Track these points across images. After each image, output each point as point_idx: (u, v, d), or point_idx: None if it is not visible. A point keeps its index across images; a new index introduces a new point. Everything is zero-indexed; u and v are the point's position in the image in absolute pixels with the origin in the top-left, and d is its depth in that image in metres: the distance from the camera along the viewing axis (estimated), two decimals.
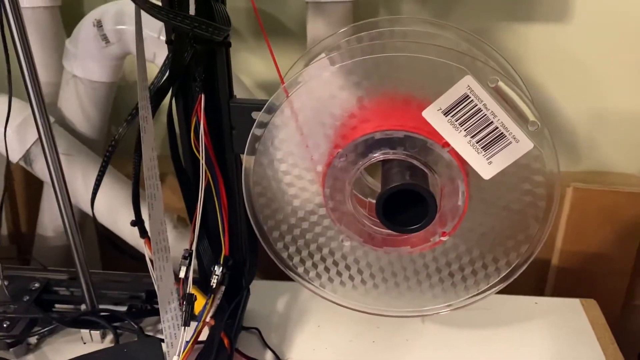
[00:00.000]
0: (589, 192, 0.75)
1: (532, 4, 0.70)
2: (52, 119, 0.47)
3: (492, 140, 0.36)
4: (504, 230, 0.41)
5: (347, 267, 0.46)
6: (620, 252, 0.76)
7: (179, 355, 0.44)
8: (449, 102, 0.36)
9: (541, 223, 0.40)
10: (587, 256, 0.77)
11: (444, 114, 0.36)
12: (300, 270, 0.47)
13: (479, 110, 0.36)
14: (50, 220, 0.68)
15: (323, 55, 0.41)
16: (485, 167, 0.37)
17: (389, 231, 0.41)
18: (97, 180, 0.47)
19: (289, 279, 0.49)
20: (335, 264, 0.46)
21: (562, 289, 0.78)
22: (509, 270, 0.43)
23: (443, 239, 0.41)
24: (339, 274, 0.46)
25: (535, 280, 0.81)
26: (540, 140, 0.38)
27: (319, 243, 0.45)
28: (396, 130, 0.37)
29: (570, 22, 0.71)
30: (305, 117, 0.41)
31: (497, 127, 0.36)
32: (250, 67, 0.73)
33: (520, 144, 0.37)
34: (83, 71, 0.58)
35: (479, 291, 0.44)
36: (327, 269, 0.46)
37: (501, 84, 0.35)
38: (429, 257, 0.44)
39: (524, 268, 0.43)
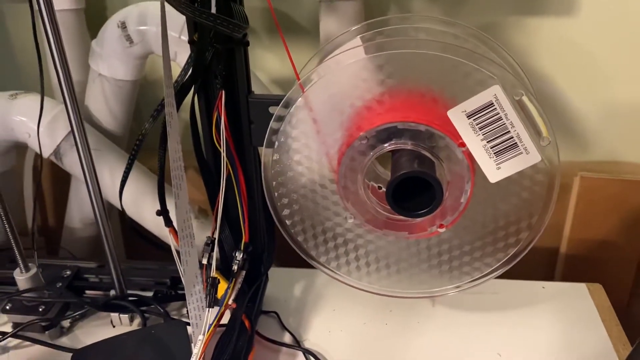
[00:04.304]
0: (596, 181, 0.77)
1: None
2: None
3: (505, 148, 0.39)
4: (502, 221, 0.44)
5: (357, 251, 0.48)
6: (627, 239, 0.78)
7: (203, 335, 0.47)
8: (474, 106, 0.39)
9: (540, 213, 0.43)
10: (595, 244, 0.79)
11: (467, 117, 0.39)
12: (314, 253, 0.49)
13: (500, 118, 0.38)
14: (78, 212, 0.72)
15: (353, 44, 0.43)
16: (494, 171, 0.40)
17: (390, 214, 0.44)
18: (124, 173, 0.50)
19: (305, 266, 0.52)
20: (347, 250, 0.49)
21: (571, 276, 0.80)
22: (509, 256, 0.45)
23: (440, 230, 0.44)
24: (353, 258, 0.48)
25: (544, 266, 0.83)
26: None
27: (328, 224, 0.47)
28: (419, 123, 0.39)
29: (578, 14, 0.72)
30: (322, 108, 0.43)
31: (512, 137, 0.39)
32: (265, 64, 0.76)
33: (529, 156, 0.39)
34: (109, 70, 0.62)
35: (482, 274, 0.46)
36: (339, 254, 0.49)
37: (525, 98, 0.38)
38: (427, 244, 0.46)
39: (523, 254, 0.45)
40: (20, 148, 0.70)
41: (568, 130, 0.79)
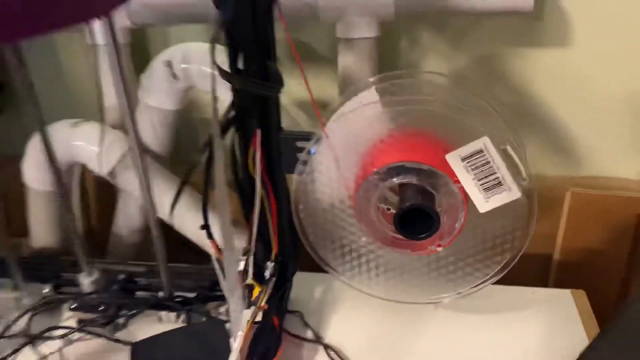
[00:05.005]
0: (586, 196, 0.85)
1: (537, 30, 0.79)
2: None
3: (492, 186, 0.48)
4: (490, 243, 0.53)
5: (369, 264, 0.58)
6: (614, 249, 0.86)
7: (242, 332, 0.57)
8: (467, 152, 0.48)
9: (521, 236, 0.52)
10: (585, 252, 0.87)
11: (462, 160, 0.48)
12: (332, 263, 0.59)
13: (488, 162, 0.48)
14: (125, 222, 0.82)
15: (369, 95, 0.53)
16: (483, 203, 0.49)
17: (396, 235, 0.53)
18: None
19: (324, 272, 0.61)
20: (360, 262, 0.58)
21: (563, 281, 0.88)
22: (497, 270, 0.54)
23: (439, 249, 0.53)
24: (365, 270, 0.58)
25: (540, 272, 0.92)
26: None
27: (344, 240, 0.57)
28: (423, 163, 0.49)
29: (572, 45, 0.80)
30: (341, 147, 0.53)
31: (498, 177, 0.48)
32: (288, 89, 0.85)
33: (511, 192, 0.49)
34: (156, 101, 0.71)
35: (475, 284, 0.55)
36: (353, 265, 0.58)
37: (508, 147, 0.47)
38: (427, 260, 0.55)
39: (508, 268, 0.54)
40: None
41: (562, 148, 0.87)
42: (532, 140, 0.85)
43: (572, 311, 0.69)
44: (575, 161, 0.87)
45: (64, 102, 0.89)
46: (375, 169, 0.50)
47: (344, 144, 0.53)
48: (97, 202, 0.93)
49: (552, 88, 0.82)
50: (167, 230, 0.79)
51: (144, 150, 0.74)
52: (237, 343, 0.56)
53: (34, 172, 0.74)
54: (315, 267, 0.64)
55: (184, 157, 0.87)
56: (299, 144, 0.57)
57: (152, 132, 0.74)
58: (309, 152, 0.55)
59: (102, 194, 0.91)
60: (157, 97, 0.71)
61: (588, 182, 0.87)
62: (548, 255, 0.89)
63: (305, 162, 0.55)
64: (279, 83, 0.51)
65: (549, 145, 0.87)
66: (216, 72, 0.49)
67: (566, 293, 0.71)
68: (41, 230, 0.77)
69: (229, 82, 0.48)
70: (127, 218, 0.81)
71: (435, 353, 0.63)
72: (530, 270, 0.91)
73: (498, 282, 0.63)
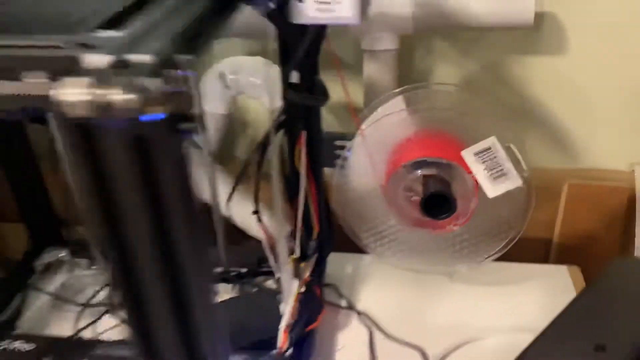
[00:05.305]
0: (582, 187, 0.96)
1: (536, 40, 0.90)
2: None
3: (499, 176, 0.60)
4: (496, 221, 0.64)
5: (396, 240, 0.70)
6: (607, 233, 0.97)
7: (292, 299, 0.69)
8: (479, 148, 0.60)
9: (522, 216, 0.63)
10: (581, 237, 0.98)
11: (474, 155, 0.60)
12: (365, 240, 0.71)
13: (495, 157, 0.59)
14: None
15: (397, 103, 0.64)
16: (491, 190, 0.61)
17: (419, 217, 0.65)
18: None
19: (355, 251, 0.72)
20: (389, 239, 0.70)
21: (561, 261, 0.99)
22: (503, 245, 0.66)
23: (455, 228, 0.65)
24: (393, 245, 0.70)
25: (540, 254, 1.03)
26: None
27: (375, 221, 0.69)
28: (442, 158, 0.60)
29: (568, 52, 0.91)
30: (374, 145, 0.65)
31: (503, 169, 0.60)
32: None
33: (514, 181, 0.60)
34: (209, 107, 0.83)
35: (485, 257, 0.67)
36: (383, 242, 0.70)
37: (512, 145, 0.59)
38: (445, 237, 0.67)
39: (513, 243, 0.66)
40: None
41: (559, 145, 0.98)
42: (533, 138, 0.96)
43: (568, 284, 0.80)
44: (572, 156, 0.98)
45: None
46: (403, 163, 0.62)
47: (376, 144, 0.64)
48: None
49: (550, 91, 0.93)
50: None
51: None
52: (288, 308, 0.68)
53: None
54: (346, 248, 0.76)
55: (224, 154, 0.99)
56: (337, 142, 0.69)
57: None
58: (346, 150, 0.67)
59: None
60: (211, 103, 0.83)
61: (583, 174, 0.98)
62: (548, 239, 1.01)
63: (343, 158, 0.67)
64: (325, 95, 0.63)
65: (549, 142, 0.98)
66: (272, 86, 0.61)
67: (563, 269, 0.83)
68: None
69: (285, 96, 0.60)
70: None
71: (450, 318, 0.75)
72: (532, 253, 1.02)
73: (504, 260, 0.75)
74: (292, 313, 0.68)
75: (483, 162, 0.59)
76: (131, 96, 0.21)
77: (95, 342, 0.69)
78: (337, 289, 0.80)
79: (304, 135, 0.68)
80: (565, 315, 0.50)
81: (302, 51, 0.52)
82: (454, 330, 0.72)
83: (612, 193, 0.96)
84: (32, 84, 0.23)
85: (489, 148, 0.58)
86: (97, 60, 0.22)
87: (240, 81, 0.81)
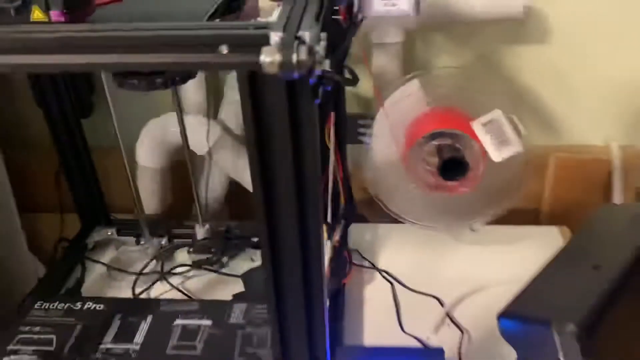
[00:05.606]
0: (566, 160, 1.08)
1: (524, 32, 1.02)
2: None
3: (502, 142, 0.71)
4: (500, 185, 0.76)
5: (416, 203, 0.81)
6: (589, 199, 1.09)
7: (327, 257, 0.79)
8: (486, 120, 0.71)
9: (521, 179, 0.75)
10: (566, 204, 1.10)
11: (482, 125, 0.71)
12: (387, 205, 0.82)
13: (500, 127, 0.70)
14: (209, 193, 1.04)
15: (411, 85, 0.75)
16: (497, 155, 0.72)
17: (436, 181, 0.76)
18: None
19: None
20: (411, 203, 0.81)
21: (551, 224, 1.12)
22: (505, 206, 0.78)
23: (466, 190, 0.76)
24: (414, 207, 0.81)
25: (532, 221, 1.15)
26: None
27: (397, 187, 0.79)
28: (455, 129, 0.71)
29: (551, 42, 1.03)
30: (394, 121, 0.75)
31: (507, 136, 0.71)
32: None
33: (516, 147, 0.71)
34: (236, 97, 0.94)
35: (490, 217, 0.79)
36: (404, 206, 0.82)
37: (514, 117, 0.70)
38: (458, 198, 0.79)
39: (513, 203, 0.78)
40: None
41: (546, 124, 1.10)
42: (522, 118, 1.08)
43: (560, 241, 0.92)
44: (557, 133, 1.11)
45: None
46: (422, 135, 0.73)
47: (397, 120, 0.75)
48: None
49: (537, 77, 1.05)
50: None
51: (231, 134, 0.96)
52: (324, 266, 0.79)
53: (145, 153, 0.96)
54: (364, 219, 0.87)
55: None
56: (360, 122, 0.80)
57: (236, 120, 0.96)
58: (369, 127, 0.78)
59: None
60: (237, 94, 0.93)
61: (567, 149, 1.10)
62: (537, 208, 1.13)
63: (367, 135, 0.78)
64: (356, 77, 0.73)
65: (536, 121, 1.10)
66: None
67: (554, 229, 0.95)
68: (148, 199, 0.99)
69: (330, 79, 0.70)
70: (211, 189, 1.03)
71: (459, 272, 0.86)
72: (524, 220, 1.14)
73: (502, 223, 0.87)
74: (327, 271, 0.78)
75: (489, 132, 0.70)
76: (304, 58, 0.32)
77: (158, 301, 0.79)
78: (360, 253, 0.91)
79: (332, 116, 0.79)
80: (564, 251, 0.62)
81: (347, 42, 0.62)
82: (464, 281, 0.84)
83: (592, 164, 1.08)
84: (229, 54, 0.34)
85: (494, 119, 0.69)
86: (276, 36, 0.33)
87: None
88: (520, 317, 0.53)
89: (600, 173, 1.08)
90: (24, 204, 0.99)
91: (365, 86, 1.06)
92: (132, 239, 0.93)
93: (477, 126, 0.70)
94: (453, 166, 0.72)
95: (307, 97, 0.37)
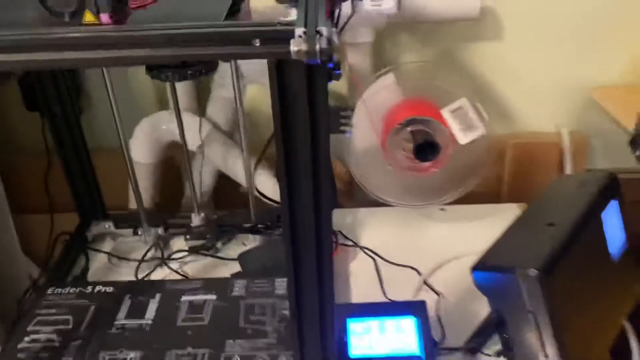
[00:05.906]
0: (523, 146, 1.20)
1: (479, 30, 1.13)
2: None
3: (468, 127, 0.81)
4: (466, 166, 0.86)
5: (393, 183, 0.90)
6: (544, 181, 1.21)
7: None
8: (453, 107, 0.81)
9: (484, 161, 0.85)
10: (524, 186, 1.22)
11: (450, 112, 0.81)
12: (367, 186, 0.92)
13: (466, 113, 0.80)
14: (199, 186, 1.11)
15: (386, 79, 0.85)
16: (463, 138, 0.82)
17: (410, 164, 0.86)
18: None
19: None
20: (387, 183, 0.90)
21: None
22: (470, 185, 0.88)
23: (435, 170, 0.86)
24: (390, 186, 0.90)
25: (495, 199, 1.26)
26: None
27: (377, 170, 0.89)
28: (426, 116, 0.81)
29: (504, 39, 1.15)
30: (373, 110, 0.85)
31: (472, 121, 0.81)
32: None
33: (479, 131, 0.82)
34: (227, 94, 1.01)
35: (455, 197, 0.89)
36: (381, 185, 0.91)
37: (478, 104, 0.80)
38: (428, 179, 0.89)
39: (477, 182, 0.88)
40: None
41: (503, 114, 1.21)
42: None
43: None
44: (513, 122, 1.23)
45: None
46: (399, 122, 0.83)
47: (375, 110, 0.85)
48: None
49: (493, 71, 1.16)
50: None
51: (219, 130, 1.04)
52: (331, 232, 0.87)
53: (140, 150, 1.03)
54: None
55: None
56: (342, 113, 0.89)
57: (224, 117, 1.04)
58: (350, 118, 0.87)
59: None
60: (228, 90, 1.01)
61: (523, 136, 1.22)
62: (498, 190, 1.24)
63: (348, 125, 0.87)
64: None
65: (494, 112, 1.21)
66: None
67: (514, 206, 1.06)
68: (142, 193, 1.05)
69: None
70: (202, 182, 1.10)
71: (432, 245, 0.96)
72: (487, 201, 1.25)
73: (468, 203, 0.98)
74: None
75: (456, 118, 0.80)
76: (325, 47, 0.41)
77: (163, 282, 0.86)
78: (343, 234, 1.00)
79: None
80: (524, 214, 0.72)
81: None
82: (437, 253, 0.94)
83: (546, 148, 1.20)
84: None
85: (461, 107, 0.79)
86: (300, 31, 0.42)
87: (255, 72, 0.99)
88: (490, 267, 0.63)
89: (552, 156, 1.20)
90: (13, 205, 1.03)
91: (338, 83, 1.16)
92: (128, 231, 1.00)
93: (445, 113, 0.80)
94: (426, 149, 0.82)
95: (323, 78, 0.46)
